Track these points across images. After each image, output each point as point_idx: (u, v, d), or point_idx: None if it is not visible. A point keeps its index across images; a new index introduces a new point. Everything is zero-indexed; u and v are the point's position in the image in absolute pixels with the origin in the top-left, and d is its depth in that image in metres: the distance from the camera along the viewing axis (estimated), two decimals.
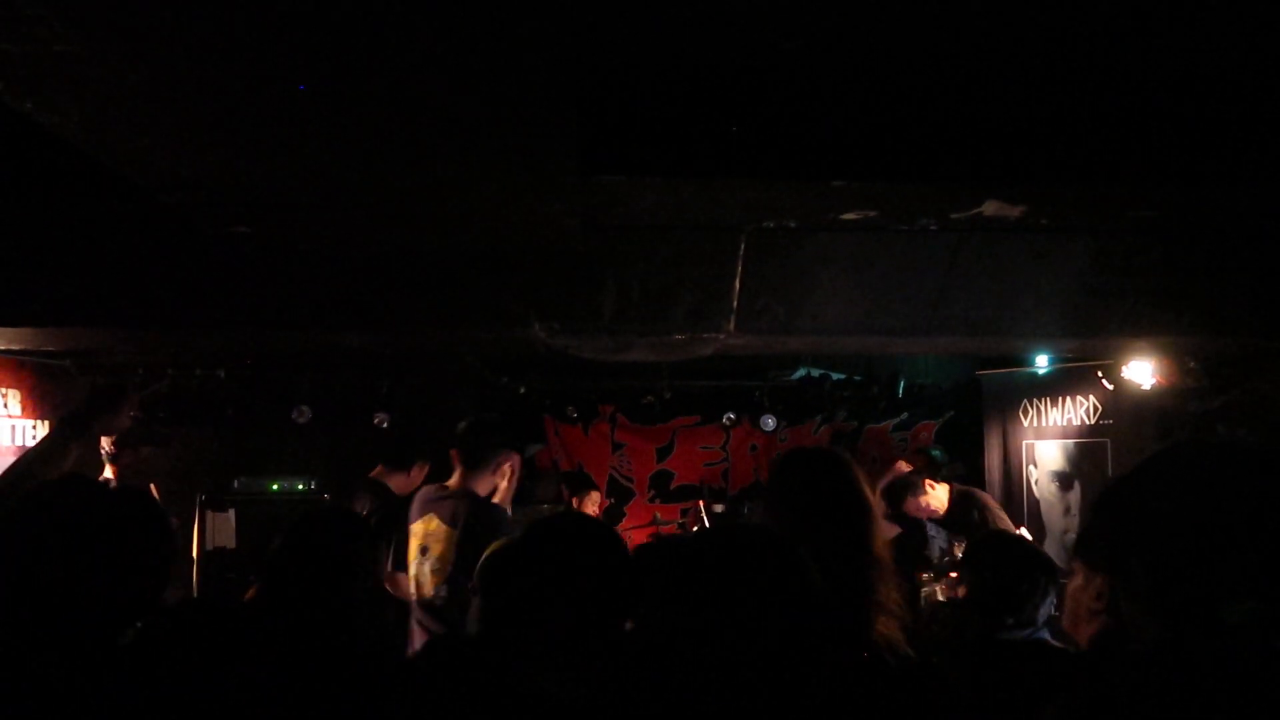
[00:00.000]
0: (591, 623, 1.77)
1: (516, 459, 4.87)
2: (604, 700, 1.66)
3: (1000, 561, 3.08)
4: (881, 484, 5.78)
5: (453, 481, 4.06)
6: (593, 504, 7.60)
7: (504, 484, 4.14)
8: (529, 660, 1.74)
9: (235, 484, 6.71)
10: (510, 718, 1.68)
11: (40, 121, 2.55)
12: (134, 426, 4.62)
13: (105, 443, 4.87)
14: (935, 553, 5.40)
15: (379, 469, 5.30)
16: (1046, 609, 2.99)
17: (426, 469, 5.30)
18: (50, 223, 3.88)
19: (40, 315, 4.11)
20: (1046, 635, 2.98)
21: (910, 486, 5.80)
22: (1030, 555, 3.13)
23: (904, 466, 6.27)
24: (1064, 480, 6.65)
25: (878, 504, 2.62)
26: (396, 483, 5.23)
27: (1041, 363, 6.72)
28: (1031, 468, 6.94)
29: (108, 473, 4.93)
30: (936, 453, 7.88)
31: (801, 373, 8.21)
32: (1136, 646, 1.34)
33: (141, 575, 1.64)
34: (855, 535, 2.36)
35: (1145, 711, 1.22)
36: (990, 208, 3.51)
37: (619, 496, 8.38)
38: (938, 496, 5.75)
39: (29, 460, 2.94)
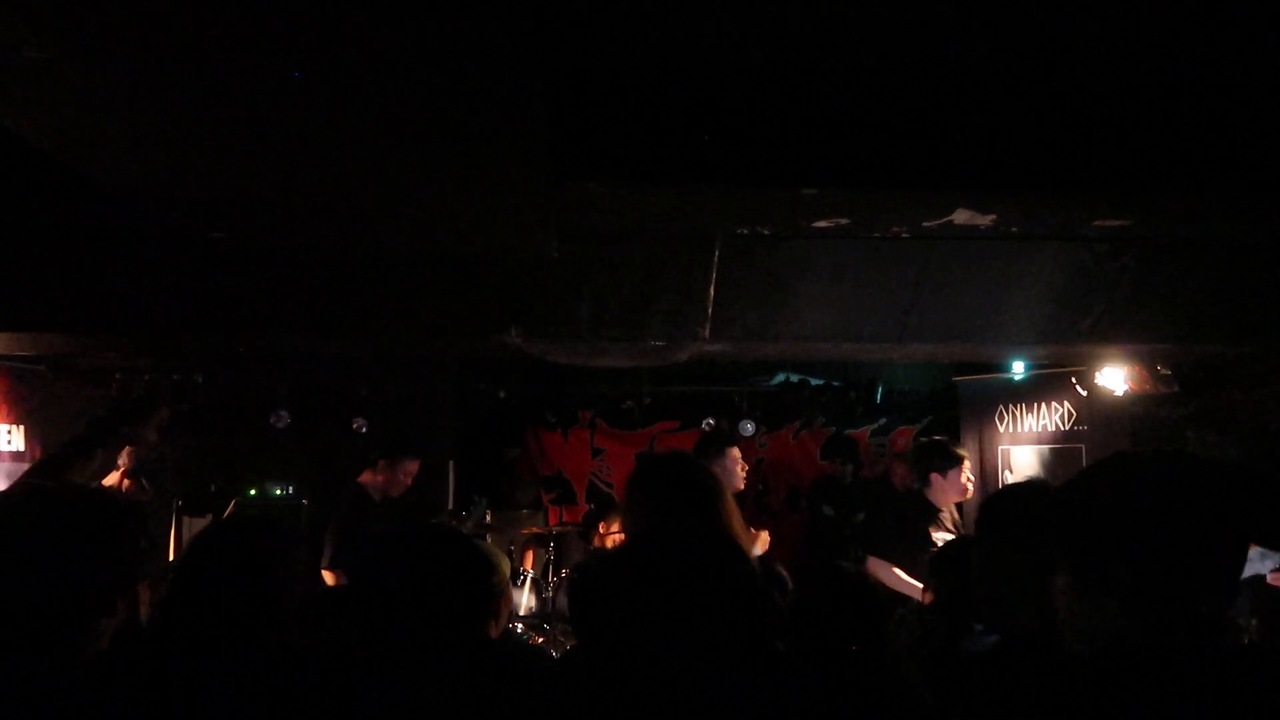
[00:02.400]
0: (451, 631, 1.80)
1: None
2: (481, 708, 1.70)
3: (966, 567, 3.09)
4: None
5: None
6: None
7: None
8: (404, 671, 1.78)
9: (212, 489, 6.70)
10: None
11: (12, 127, 2.56)
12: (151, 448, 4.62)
13: (124, 456, 4.84)
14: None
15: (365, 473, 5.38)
16: None
17: (394, 465, 5.24)
18: (23, 228, 3.87)
19: (14, 320, 4.10)
20: None
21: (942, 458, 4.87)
22: None
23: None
24: None
25: (728, 498, 2.71)
26: (370, 483, 5.24)
27: (1017, 369, 6.78)
28: (1007, 473, 6.98)
29: (112, 479, 4.88)
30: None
31: (780, 378, 8.26)
32: (1108, 643, 1.41)
33: (98, 577, 1.65)
34: (704, 518, 2.49)
35: (1166, 696, 1.32)
36: (961, 216, 3.55)
37: (599, 502, 8.39)
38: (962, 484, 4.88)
39: (51, 461, 2.93)
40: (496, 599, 2.18)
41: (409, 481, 5.34)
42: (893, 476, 7.38)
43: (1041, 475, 6.64)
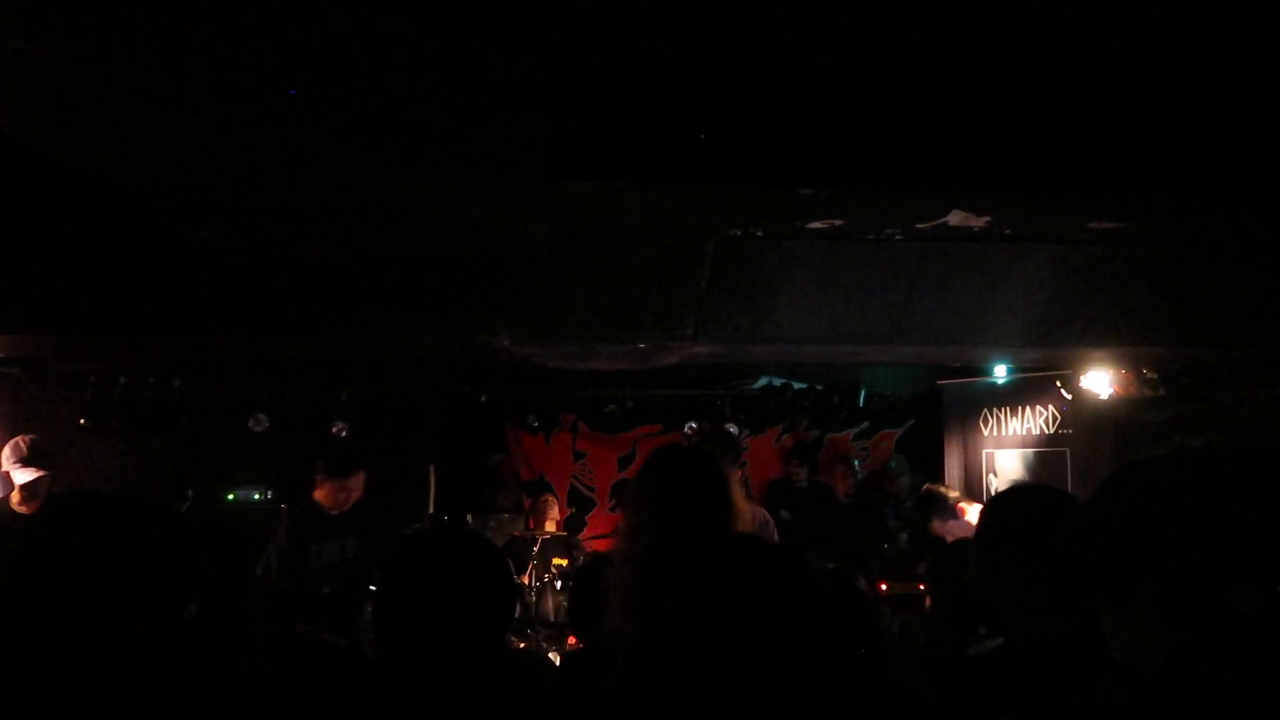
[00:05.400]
0: (470, 636, 1.76)
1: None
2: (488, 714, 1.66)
3: (963, 572, 3.06)
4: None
5: None
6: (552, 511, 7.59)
7: None
8: (414, 675, 1.73)
9: (189, 494, 6.58)
10: None
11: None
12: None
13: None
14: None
15: None
16: None
17: (342, 482, 5.05)
18: None
19: None
20: None
21: (940, 506, 5.47)
22: None
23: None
24: None
25: (742, 498, 2.66)
26: (322, 499, 5.08)
27: (1000, 373, 6.78)
28: (991, 476, 6.99)
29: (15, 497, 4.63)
30: (893, 464, 7.93)
31: (763, 382, 8.23)
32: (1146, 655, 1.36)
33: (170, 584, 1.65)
34: (714, 521, 2.42)
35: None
36: (955, 218, 3.52)
37: (581, 506, 8.34)
38: (969, 524, 5.28)
39: None
40: (515, 606, 2.12)
41: (359, 493, 5.22)
42: (834, 484, 7.33)
43: (1027, 478, 6.66)
